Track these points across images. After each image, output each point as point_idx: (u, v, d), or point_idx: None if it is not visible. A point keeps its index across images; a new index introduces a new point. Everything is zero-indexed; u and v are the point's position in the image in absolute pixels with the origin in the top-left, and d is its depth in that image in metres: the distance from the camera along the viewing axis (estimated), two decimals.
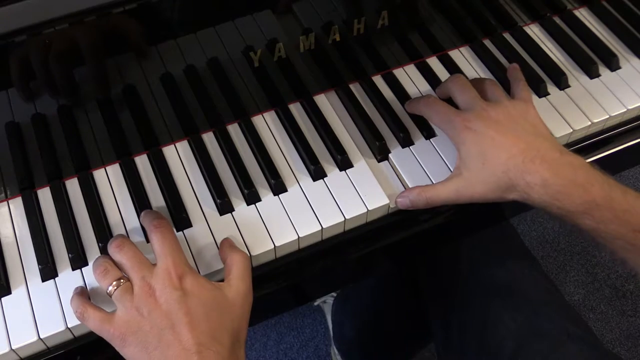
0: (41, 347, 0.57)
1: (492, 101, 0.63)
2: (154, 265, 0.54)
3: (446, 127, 0.63)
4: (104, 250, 0.60)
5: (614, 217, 0.56)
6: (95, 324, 0.53)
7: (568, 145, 0.71)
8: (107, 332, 0.52)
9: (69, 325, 0.56)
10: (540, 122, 0.62)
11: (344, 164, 0.66)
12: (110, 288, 0.53)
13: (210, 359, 0.49)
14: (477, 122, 0.60)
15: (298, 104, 0.72)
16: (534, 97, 0.73)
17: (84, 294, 0.57)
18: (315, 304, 1.38)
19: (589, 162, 0.59)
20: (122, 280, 0.53)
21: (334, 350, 1.30)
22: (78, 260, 0.60)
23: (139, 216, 0.63)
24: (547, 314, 0.73)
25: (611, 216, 0.56)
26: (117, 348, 0.52)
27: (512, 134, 0.59)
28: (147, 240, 0.61)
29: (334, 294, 1.30)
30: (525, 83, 0.68)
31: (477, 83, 0.66)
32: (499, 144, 0.59)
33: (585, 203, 0.56)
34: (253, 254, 0.60)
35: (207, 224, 0.62)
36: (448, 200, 0.62)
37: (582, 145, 0.72)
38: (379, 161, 0.68)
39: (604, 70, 0.76)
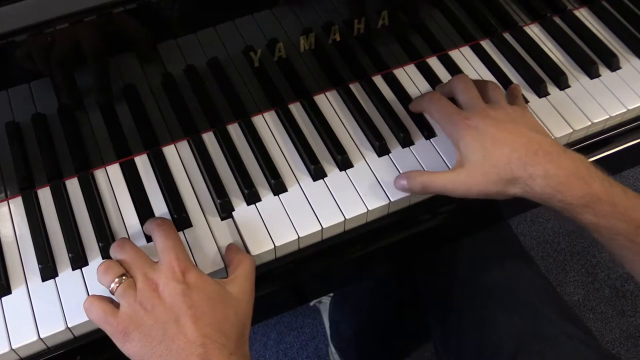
0: (41, 346, 0.57)
1: (493, 102, 0.65)
2: (157, 262, 0.54)
3: (446, 123, 0.64)
4: (104, 250, 0.60)
5: (615, 211, 0.56)
6: (99, 314, 0.52)
7: (568, 146, 0.71)
8: (110, 326, 0.51)
9: (69, 325, 0.56)
10: (538, 124, 0.64)
11: (344, 163, 0.66)
12: (113, 285, 0.53)
13: (215, 351, 0.49)
14: (477, 120, 0.61)
15: (298, 104, 0.72)
16: (534, 97, 0.73)
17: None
18: (311, 304, 1.38)
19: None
20: (124, 277, 0.53)
21: (332, 350, 1.30)
22: (78, 260, 0.60)
23: (139, 216, 0.63)
24: (545, 315, 0.73)
25: (612, 211, 0.56)
26: (118, 344, 0.51)
27: (512, 130, 0.60)
28: (147, 241, 0.61)
29: (330, 294, 1.30)
30: (522, 98, 0.69)
31: (479, 84, 0.67)
32: (500, 140, 0.59)
33: (586, 195, 0.56)
34: (253, 253, 0.60)
35: (207, 224, 0.62)
36: (444, 189, 0.61)
37: (582, 145, 0.72)
38: None
39: (604, 70, 0.76)
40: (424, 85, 0.75)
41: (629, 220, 0.56)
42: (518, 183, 0.58)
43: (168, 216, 0.63)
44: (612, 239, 0.57)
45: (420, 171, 0.64)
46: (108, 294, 0.54)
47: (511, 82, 0.75)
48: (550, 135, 0.69)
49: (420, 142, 0.69)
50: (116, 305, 0.53)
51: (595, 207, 0.56)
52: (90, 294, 0.57)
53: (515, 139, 0.59)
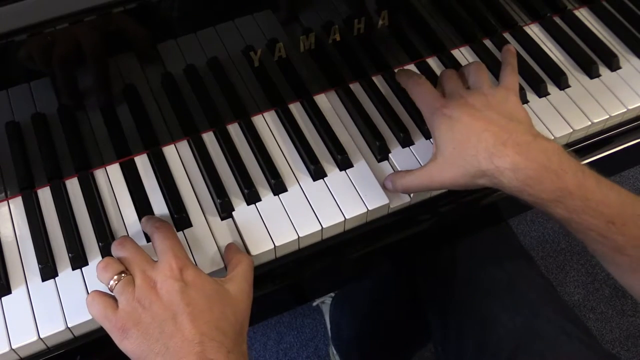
0: (41, 346, 0.57)
1: (474, 88, 0.63)
2: (156, 261, 0.54)
3: (425, 110, 0.63)
4: (104, 250, 0.60)
5: (587, 206, 0.54)
6: (99, 310, 0.52)
7: (568, 145, 0.71)
8: (109, 322, 0.52)
9: (69, 325, 0.56)
10: (518, 108, 0.61)
11: (344, 163, 0.66)
12: (112, 282, 0.53)
13: (213, 349, 0.49)
14: (453, 109, 0.59)
15: (298, 104, 0.72)
16: (534, 97, 0.73)
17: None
18: (314, 304, 1.38)
19: (563, 148, 0.57)
20: (123, 274, 0.53)
21: (332, 351, 1.30)
22: (78, 260, 0.60)
23: (139, 216, 0.63)
24: (545, 314, 0.73)
25: (584, 206, 0.54)
26: (117, 341, 0.51)
27: (486, 118, 0.58)
28: (147, 240, 0.61)
29: (332, 294, 1.30)
30: (513, 68, 0.67)
31: (464, 67, 0.67)
32: (470, 128, 0.57)
33: (557, 190, 0.54)
34: (253, 253, 0.60)
35: (207, 224, 0.62)
36: (422, 186, 0.61)
37: (582, 145, 0.72)
38: (379, 161, 0.68)
39: (604, 70, 0.76)
40: None
41: (600, 215, 0.54)
42: (485, 175, 0.56)
43: (168, 216, 0.63)
44: (585, 234, 0.56)
45: (402, 173, 0.63)
46: (108, 292, 0.54)
47: None
48: (549, 132, 0.69)
49: (420, 142, 0.69)
50: (117, 302, 0.53)
51: (567, 202, 0.54)
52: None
53: (487, 127, 0.57)
